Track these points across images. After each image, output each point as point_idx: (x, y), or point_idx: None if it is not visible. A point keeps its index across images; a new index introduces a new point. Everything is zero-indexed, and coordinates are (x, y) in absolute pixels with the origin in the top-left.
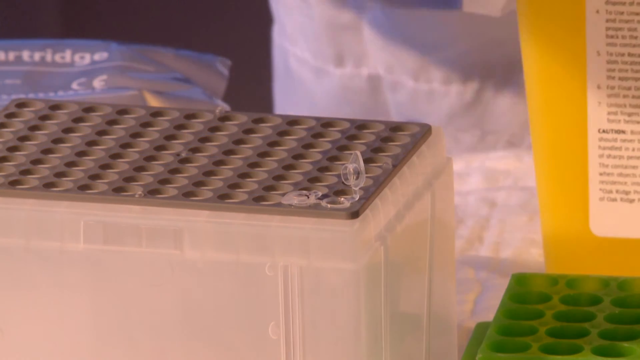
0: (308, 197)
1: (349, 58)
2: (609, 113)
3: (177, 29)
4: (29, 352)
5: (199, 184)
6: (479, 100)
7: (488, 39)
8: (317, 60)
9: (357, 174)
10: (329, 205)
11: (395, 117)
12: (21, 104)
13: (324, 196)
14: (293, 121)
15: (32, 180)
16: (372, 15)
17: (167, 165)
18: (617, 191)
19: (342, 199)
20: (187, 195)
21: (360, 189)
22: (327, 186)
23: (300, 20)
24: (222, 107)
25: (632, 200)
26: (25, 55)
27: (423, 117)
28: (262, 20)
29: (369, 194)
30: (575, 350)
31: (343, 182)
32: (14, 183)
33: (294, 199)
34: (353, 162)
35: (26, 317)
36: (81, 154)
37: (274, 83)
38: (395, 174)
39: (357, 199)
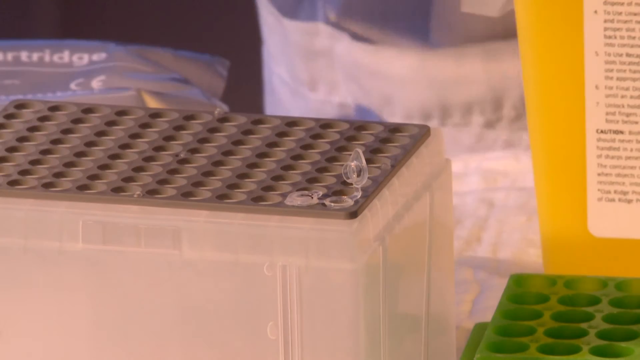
0: (311, 197)
1: (322, 84)
2: (607, 113)
3: (175, 29)
4: (28, 352)
5: (197, 184)
6: None
7: (446, 80)
8: (294, 82)
9: (359, 171)
10: (332, 205)
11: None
12: (20, 105)
13: (326, 196)
14: (292, 122)
15: (31, 180)
16: (340, 46)
17: (166, 166)
18: (615, 192)
19: (345, 197)
20: (186, 196)
21: (360, 188)
22: (326, 186)
23: (280, 42)
24: (221, 107)
25: (630, 201)
26: (24, 55)
27: None
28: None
29: (368, 195)
30: (574, 350)
31: (345, 180)
32: (12, 183)
33: (297, 199)
34: (354, 160)
35: (25, 317)
36: (80, 154)
37: (265, 98)
38: (394, 174)
39: (359, 196)
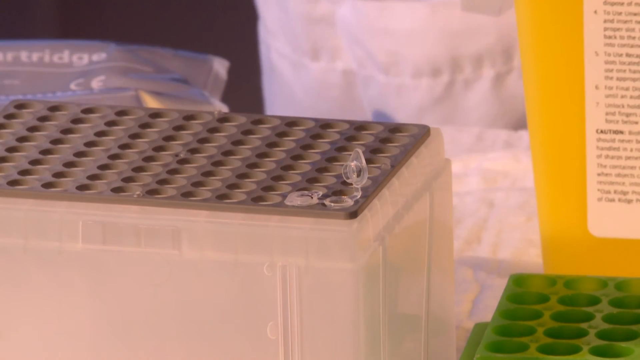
0: (311, 197)
1: (324, 52)
2: (607, 113)
3: (175, 29)
4: (28, 352)
5: (197, 184)
6: (448, 95)
7: (457, 32)
8: (295, 53)
9: (359, 171)
10: (332, 205)
11: (367, 112)
12: (20, 105)
13: (326, 196)
14: (292, 122)
15: (31, 180)
16: (343, 8)
17: (166, 166)
18: (615, 192)
19: (345, 197)
20: (186, 196)
21: (360, 188)
22: (326, 186)
23: (278, 14)
24: (221, 108)
25: (630, 201)
26: (24, 55)
27: (395, 112)
28: None
29: (368, 195)
30: (574, 350)
31: (344, 180)
32: (12, 183)
33: (297, 199)
34: (354, 160)
35: (25, 317)
36: (80, 154)
37: (262, 78)
38: (394, 174)
39: (359, 196)
